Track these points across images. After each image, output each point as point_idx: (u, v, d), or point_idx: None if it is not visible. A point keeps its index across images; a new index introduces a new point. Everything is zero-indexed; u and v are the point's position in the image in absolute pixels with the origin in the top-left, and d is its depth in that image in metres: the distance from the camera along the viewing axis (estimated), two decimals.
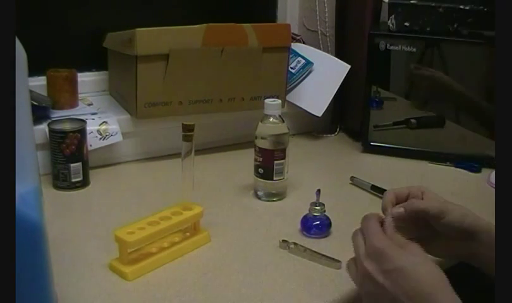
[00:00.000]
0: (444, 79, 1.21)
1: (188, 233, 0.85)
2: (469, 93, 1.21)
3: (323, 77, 1.34)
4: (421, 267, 0.59)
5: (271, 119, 0.99)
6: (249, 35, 1.13)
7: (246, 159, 1.06)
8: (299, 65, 1.33)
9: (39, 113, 1.07)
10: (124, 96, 1.20)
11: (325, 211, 0.90)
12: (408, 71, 1.23)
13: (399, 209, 0.69)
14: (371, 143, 1.27)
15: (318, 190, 0.90)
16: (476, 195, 1.08)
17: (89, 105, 1.22)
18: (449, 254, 0.74)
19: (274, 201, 1.02)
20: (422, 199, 0.71)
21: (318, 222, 0.89)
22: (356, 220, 1.01)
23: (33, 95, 1.05)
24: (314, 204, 0.89)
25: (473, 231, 0.69)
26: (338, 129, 1.42)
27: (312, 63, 1.35)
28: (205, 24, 1.09)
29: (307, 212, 0.90)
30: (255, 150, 1.00)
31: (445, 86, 1.22)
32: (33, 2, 1.21)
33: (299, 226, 0.90)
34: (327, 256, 0.81)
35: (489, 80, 1.17)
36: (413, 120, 1.24)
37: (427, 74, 1.22)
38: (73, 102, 1.19)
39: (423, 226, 0.71)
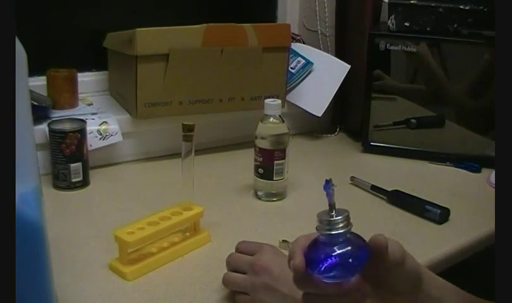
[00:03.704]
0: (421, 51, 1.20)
1: (188, 233, 0.85)
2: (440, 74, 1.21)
3: (323, 77, 1.34)
4: None
5: (271, 119, 0.99)
6: (249, 35, 1.13)
7: (246, 159, 1.06)
8: (299, 65, 1.33)
9: (39, 113, 1.07)
10: (124, 96, 1.20)
11: (350, 227, 0.50)
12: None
13: (383, 238, 0.52)
14: (371, 143, 1.27)
15: (330, 183, 0.51)
16: (476, 195, 1.08)
17: (89, 105, 1.22)
18: None
19: (274, 201, 1.02)
20: None
21: (343, 247, 0.48)
22: (356, 220, 1.01)
23: (33, 95, 1.05)
24: (327, 213, 0.50)
25: (420, 281, 0.57)
26: (338, 129, 1.42)
27: (312, 63, 1.35)
28: (205, 24, 1.09)
29: (316, 234, 0.50)
30: (255, 150, 1.00)
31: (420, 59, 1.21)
32: (33, 2, 1.21)
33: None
34: None
35: (489, 80, 1.17)
36: (413, 120, 1.24)
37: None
38: (73, 102, 1.19)
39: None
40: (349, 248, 0.48)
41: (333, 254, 0.47)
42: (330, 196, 0.49)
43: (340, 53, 1.38)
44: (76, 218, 0.94)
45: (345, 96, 1.37)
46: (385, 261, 0.52)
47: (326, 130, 1.41)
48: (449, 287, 0.62)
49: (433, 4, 1.19)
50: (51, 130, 1.01)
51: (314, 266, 0.47)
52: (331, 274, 0.47)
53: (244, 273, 0.70)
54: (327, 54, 1.41)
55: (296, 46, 1.37)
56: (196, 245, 0.84)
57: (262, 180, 1.01)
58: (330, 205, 0.49)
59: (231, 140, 1.28)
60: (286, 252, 0.81)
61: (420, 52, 1.19)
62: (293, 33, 1.39)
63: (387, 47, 1.20)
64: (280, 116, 0.99)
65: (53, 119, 1.06)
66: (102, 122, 1.11)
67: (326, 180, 0.50)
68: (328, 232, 0.48)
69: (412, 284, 0.57)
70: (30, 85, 0.58)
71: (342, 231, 0.48)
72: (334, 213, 0.48)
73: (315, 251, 0.48)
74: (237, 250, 0.75)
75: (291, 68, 1.31)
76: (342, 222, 0.48)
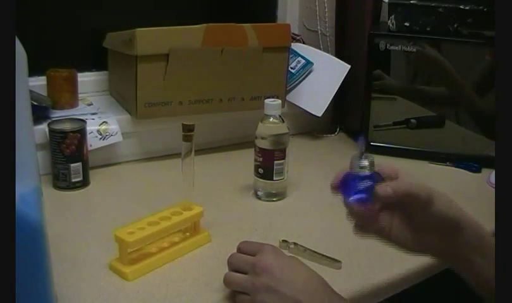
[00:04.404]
0: (432, 53, 1.20)
1: (188, 233, 0.85)
2: (457, 75, 1.21)
3: (323, 77, 1.34)
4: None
5: (271, 119, 0.99)
6: (249, 35, 1.13)
7: (246, 159, 1.06)
8: (299, 65, 1.33)
9: (39, 113, 1.07)
10: (124, 96, 1.20)
11: (373, 167, 0.64)
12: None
13: (387, 190, 0.61)
14: (372, 143, 1.27)
15: (362, 138, 0.66)
16: (476, 195, 1.08)
17: (89, 105, 1.22)
18: (427, 249, 0.67)
19: (274, 201, 1.02)
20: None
21: (367, 182, 0.63)
22: None
23: (33, 95, 1.06)
24: (358, 157, 0.64)
25: (457, 226, 0.64)
26: (338, 129, 1.42)
27: (312, 63, 1.35)
28: (205, 24, 1.09)
29: (350, 169, 0.65)
30: (255, 150, 1.00)
31: (432, 61, 1.21)
32: (33, 2, 1.21)
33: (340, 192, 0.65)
34: (327, 256, 0.81)
35: (489, 80, 1.17)
36: (413, 120, 1.24)
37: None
38: (73, 102, 1.19)
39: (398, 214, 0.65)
40: (371, 184, 0.62)
41: (359, 188, 0.62)
42: (361, 146, 0.64)
43: (340, 53, 1.38)
44: (76, 218, 0.94)
45: (345, 96, 1.37)
46: (413, 201, 0.63)
47: (326, 130, 1.41)
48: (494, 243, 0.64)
49: (433, 4, 1.19)
50: (51, 130, 1.01)
51: (346, 194, 0.64)
52: (357, 199, 0.63)
53: (245, 273, 0.70)
54: (327, 54, 1.41)
55: (296, 46, 1.37)
56: (196, 245, 0.84)
57: (262, 180, 1.01)
58: (360, 153, 0.64)
59: (231, 140, 1.28)
60: (287, 252, 0.82)
61: (434, 57, 1.20)
62: (293, 33, 1.39)
63: (387, 47, 1.20)
64: (280, 116, 0.99)
65: (53, 119, 1.06)
66: (102, 122, 1.11)
67: (360, 135, 0.66)
68: (357, 173, 0.63)
69: (444, 226, 0.64)
70: (30, 85, 0.58)
71: (367, 173, 0.63)
72: (362, 158, 0.64)
73: (347, 181, 0.64)
74: (239, 250, 0.75)
75: (291, 68, 1.31)
76: (367, 165, 0.64)
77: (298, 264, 0.70)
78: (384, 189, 0.61)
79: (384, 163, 0.66)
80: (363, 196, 0.63)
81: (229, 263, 0.73)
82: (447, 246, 0.65)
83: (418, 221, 0.64)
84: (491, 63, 1.16)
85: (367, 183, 0.63)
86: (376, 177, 0.63)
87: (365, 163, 0.64)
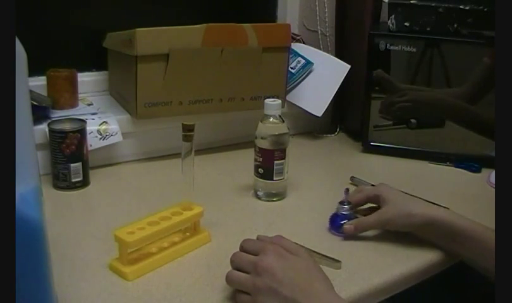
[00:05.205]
0: (431, 95, 1.22)
1: (188, 233, 0.85)
2: (457, 101, 1.22)
3: (323, 77, 1.34)
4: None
5: (271, 119, 0.99)
6: (249, 35, 1.13)
7: (246, 159, 1.06)
8: (299, 65, 1.34)
9: (39, 113, 1.07)
10: (124, 96, 1.20)
11: (354, 211, 0.91)
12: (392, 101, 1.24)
13: (350, 227, 0.88)
14: (371, 143, 1.27)
15: (347, 189, 0.91)
16: (476, 195, 1.08)
17: (89, 105, 1.22)
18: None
19: (274, 201, 1.02)
20: (379, 204, 0.88)
21: (346, 221, 0.89)
22: None
23: (33, 95, 1.06)
24: (342, 202, 0.90)
25: (426, 224, 0.83)
26: (338, 129, 1.42)
27: (312, 63, 1.35)
28: (205, 24, 1.09)
29: (335, 211, 0.91)
30: (255, 150, 1.00)
31: (434, 101, 1.22)
32: (33, 2, 1.21)
33: (327, 225, 0.91)
34: (327, 256, 0.81)
35: (488, 80, 1.17)
36: (413, 120, 1.24)
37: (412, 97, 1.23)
38: (73, 102, 1.19)
39: None
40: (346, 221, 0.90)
41: (341, 223, 0.89)
42: (346, 196, 0.91)
43: (340, 53, 1.38)
44: (76, 218, 0.94)
45: (345, 96, 1.37)
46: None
47: (326, 130, 1.41)
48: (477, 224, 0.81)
49: (433, 4, 1.19)
50: (51, 130, 1.01)
51: (333, 229, 0.90)
52: (340, 230, 0.89)
53: (247, 273, 0.70)
54: (327, 54, 1.41)
55: (296, 46, 1.37)
56: (196, 245, 0.84)
57: (262, 180, 1.01)
58: (346, 200, 0.90)
59: (231, 140, 1.28)
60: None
61: (441, 98, 1.22)
62: (293, 33, 1.39)
63: (387, 47, 1.20)
64: (280, 116, 0.99)
65: (53, 119, 1.06)
66: (102, 122, 1.11)
67: (346, 188, 0.92)
68: (340, 213, 0.91)
69: (413, 229, 0.85)
70: (30, 85, 0.58)
71: (347, 213, 0.90)
72: (346, 203, 0.90)
73: (334, 219, 0.91)
74: (242, 248, 0.75)
75: (291, 68, 1.31)
76: (349, 209, 0.90)
77: (301, 264, 0.69)
78: (348, 226, 0.88)
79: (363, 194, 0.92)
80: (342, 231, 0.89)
81: (232, 262, 0.73)
82: (426, 237, 0.85)
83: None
84: (490, 64, 1.16)
85: (347, 220, 0.89)
86: (351, 217, 0.90)
87: (346, 207, 0.90)
